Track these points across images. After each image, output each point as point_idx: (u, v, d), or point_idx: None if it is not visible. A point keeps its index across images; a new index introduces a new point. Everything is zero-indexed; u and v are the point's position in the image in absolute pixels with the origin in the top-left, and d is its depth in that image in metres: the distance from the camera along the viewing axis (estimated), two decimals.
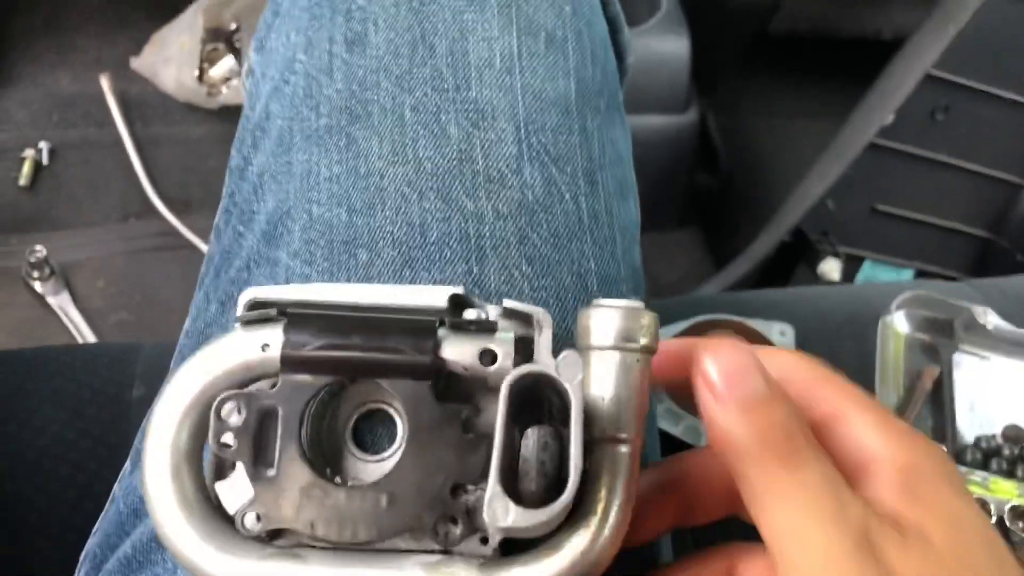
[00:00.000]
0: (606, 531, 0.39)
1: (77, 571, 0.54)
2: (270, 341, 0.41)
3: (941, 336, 0.82)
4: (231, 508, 0.41)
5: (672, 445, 0.73)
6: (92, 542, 0.53)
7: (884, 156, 1.26)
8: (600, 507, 0.39)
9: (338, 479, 0.42)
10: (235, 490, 0.42)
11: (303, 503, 0.39)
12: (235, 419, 0.40)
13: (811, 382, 0.40)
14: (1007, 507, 0.71)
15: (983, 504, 0.71)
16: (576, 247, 0.50)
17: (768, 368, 0.37)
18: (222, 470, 0.43)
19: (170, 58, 1.52)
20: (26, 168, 1.43)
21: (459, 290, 0.43)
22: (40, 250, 1.31)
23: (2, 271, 1.35)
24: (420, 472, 0.39)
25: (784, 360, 0.40)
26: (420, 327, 0.41)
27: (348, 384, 0.43)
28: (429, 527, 0.39)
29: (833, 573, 0.33)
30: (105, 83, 1.53)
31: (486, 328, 0.42)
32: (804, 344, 0.80)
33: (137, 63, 1.58)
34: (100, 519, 0.53)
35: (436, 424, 0.40)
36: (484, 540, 0.40)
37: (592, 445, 0.40)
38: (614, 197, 0.55)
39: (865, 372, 0.79)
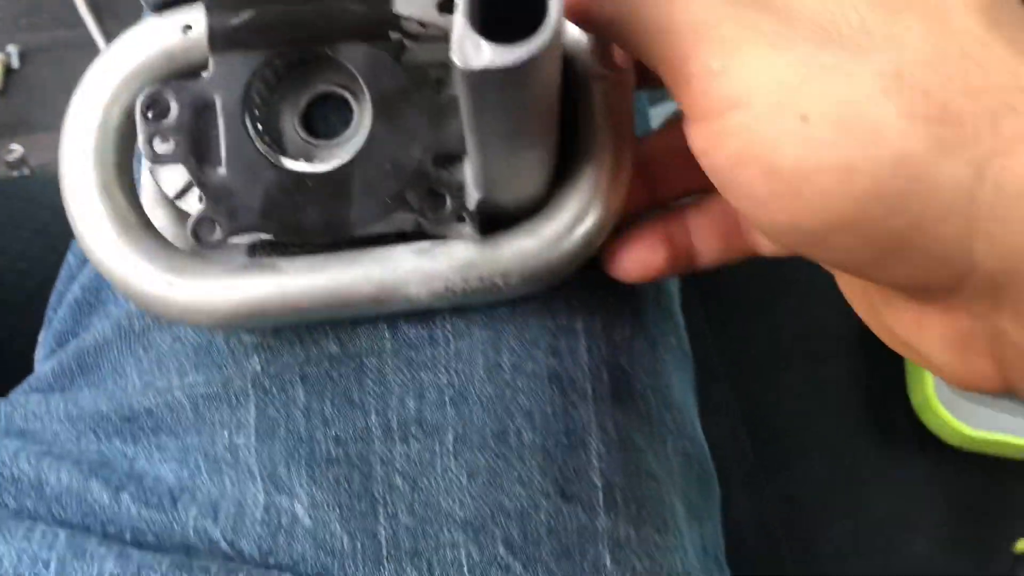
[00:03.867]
0: (620, 177, 0.35)
1: (36, 350, 0.49)
2: (191, 21, 0.35)
3: None
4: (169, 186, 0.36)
5: None
6: (47, 311, 0.48)
7: None
8: (598, 145, 0.35)
9: (299, 166, 0.37)
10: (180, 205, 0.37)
11: (266, 199, 0.34)
12: (166, 118, 0.34)
13: None
14: None
15: None
16: None
17: None
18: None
19: None
20: None
21: None
22: (16, 149, 1.27)
23: None
24: (394, 145, 0.34)
25: None
26: None
27: (287, 63, 0.38)
28: (415, 205, 0.34)
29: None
30: None
31: None
32: None
33: None
34: (54, 289, 0.49)
35: (403, 90, 0.35)
36: (460, 218, 0.36)
37: (577, 87, 0.35)
38: None
39: None
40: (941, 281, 0.26)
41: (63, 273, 0.47)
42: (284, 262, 0.34)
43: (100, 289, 0.42)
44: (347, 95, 0.39)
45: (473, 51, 0.24)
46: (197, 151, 0.34)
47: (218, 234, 0.34)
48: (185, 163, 0.34)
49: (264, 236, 0.36)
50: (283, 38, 0.35)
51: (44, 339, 0.47)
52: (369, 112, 0.36)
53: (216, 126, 0.35)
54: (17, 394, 0.44)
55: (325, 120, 0.39)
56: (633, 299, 0.41)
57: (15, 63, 1.39)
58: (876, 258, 0.26)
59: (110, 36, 1.42)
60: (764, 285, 0.69)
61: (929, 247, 0.25)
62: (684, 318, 0.49)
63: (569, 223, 0.34)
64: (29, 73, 1.41)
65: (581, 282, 0.39)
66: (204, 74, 0.35)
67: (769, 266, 0.69)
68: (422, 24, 0.36)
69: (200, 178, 0.34)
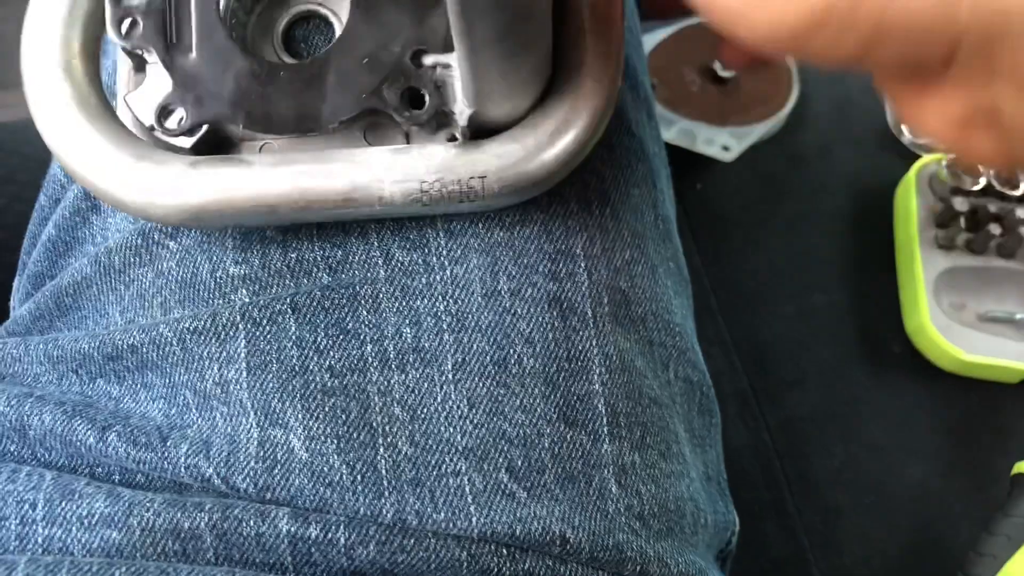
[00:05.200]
0: (603, 89, 0.33)
1: (11, 297, 0.47)
2: None
3: None
4: (145, 114, 0.35)
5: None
6: (21, 256, 0.47)
7: None
8: (584, 55, 0.34)
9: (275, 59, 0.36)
10: (145, 96, 0.34)
11: (236, 88, 0.32)
12: None
13: None
14: None
15: None
16: None
17: None
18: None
19: None
20: None
21: None
22: None
23: None
24: (372, 39, 0.33)
25: None
26: None
27: None
28: (392, 102, 0.32)
29: None
30: None
31: None
32: None
33: None
34: (27, 232, 0.47)
35: None
36: (452, 138, 0.34)
37: None
38: None
39: None
40: (932, 54, 0.25)
41: (35, 216, 0.45)
42: (251, 156, 0.33)
43: (75, 227, 0.41)
44: (327, 12, 0.37)
45: None
46: (167, 34, 0.33)
47: (183, 121, 0.32)
48: (154, 45, 0.33)
49: (228, 127, 0.34)
50: None
51: (19, 284, 0.46)
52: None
53: (187, 12, 0.33)
54: None
55: (307, 42, 0.37)
56: (632, 222, 0.40)
57: None
58: (863, 45, 0.25)
59: None
60: (754, 216, 0.68)
61: (913, 18, 0.24)
62: None
63: (552, 132, 0.33)
64: None
65: (579, 203, 0.38)
66: None
67: (759, 196, 0.69)
68: None
69: (168, 62, 0.33)
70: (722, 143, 0.66)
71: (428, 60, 0.33)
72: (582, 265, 0.37)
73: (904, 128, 0.69)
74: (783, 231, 0.66)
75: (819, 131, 0.70)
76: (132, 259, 0.37)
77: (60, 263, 0.41)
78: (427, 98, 0.33)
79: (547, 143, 0.33)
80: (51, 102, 0.32)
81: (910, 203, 0.64)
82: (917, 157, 0.68)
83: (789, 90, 0.69)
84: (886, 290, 0.64)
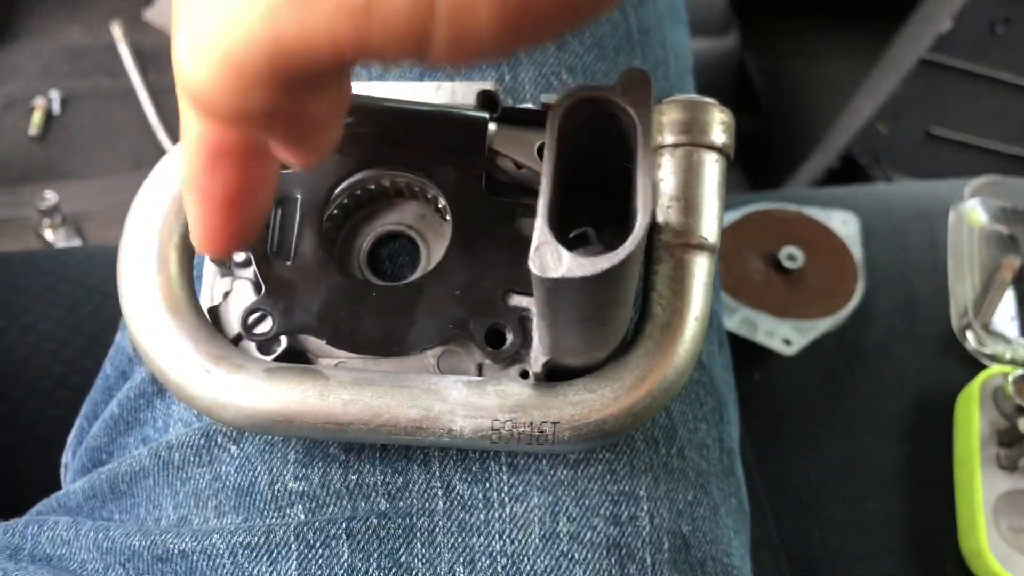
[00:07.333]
0: (683, 348, 0.33)
1: (64, 453, 0.48)
2: None
3: (1021, 225, 0.74)
4: (232, 315, 0.35)
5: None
6: (79, 419, 0.47)
7: (938, 74, 1.17)
8: (663, 315, 0.33)
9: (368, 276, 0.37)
10: (233, 297, 0.35)
11: (326, 302, 0.33)
12: None
13: None
14: None
15: None
16: (624, 61, 0.44)
17: None
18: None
19: None
20: (36, 118, 1.38)
21: (489, 86, 0.37)
22: (51, 197, 1.26)
23: (13, 221, 1.30)
24: (467, 272, 0.34)
25: None
26: (467, 118, 0.35)
27: (358, 198, 0.36)
28: (478, 337, 0.33)
29: None
30: (117, 32, 1.48)
31: (541, 121, 0.35)
32: (869, 235, 0.72)
33: (150, 14, 1.53)
34: (88, 397, 0.47)
35: (487, 220, 0.34)
36: (524, 374, 0.34)
37: (662, 253, 0.34)
38: (665, 18, 0.48)
39: (936, 265, 0.72)
40: None
41: (99, 383, 0.45)
42: (330, 371, 0.32)
43: (139, 409, 0.41)
44: (414, 234, 0.38)
45: (552, 260, 0.23)
46: (268, 241, 0.34)
47: (270, 328, 0.33)
48: (253, 250, 0.34)
49: (310, 341, 0.34)
50: (378, 152, 0.34)
51: (74, 447, 0.46)
52: (436, 251, 0.35)
53: (291, 222, 0.34)
54: (45, 512, 0.43)
55: (392, 260, 0.38)
56: (698, 460, 0.39)
57: (56, 109, 1.40)
58: None
59: (152, 87, 1.43)
60: (811, 413, 0.67)
61: None
62: None
63: (630, 387, 0.32)
64: (69, 120, 1.41)
65: (646, 442, 0.38)
66: (289, 170, 0.34)
67: (817, 392, 0.68)
68: (517, 165, 0.35)
69: (264, 268, 0.34)
70: (783, 336, 0.65)
71: (514, 301, 0.33)
72: (644, 508, 0.36)
73: (969, 335, 0.68)
74: (839, 431, 0.65)
75: (882, 329, 0.69)
76: (192, 458, 0.37)
77: (120, 441, 0.41)
78: (509, 337, 0.33)
79: (624, 396, 0.32)
80: (140, 292, 0.33)
81: (972, 417, 0.62)
82: (981, 366, 0.66)
83: (854, 285, 0.69)
84: (943, 504, 0.62)
